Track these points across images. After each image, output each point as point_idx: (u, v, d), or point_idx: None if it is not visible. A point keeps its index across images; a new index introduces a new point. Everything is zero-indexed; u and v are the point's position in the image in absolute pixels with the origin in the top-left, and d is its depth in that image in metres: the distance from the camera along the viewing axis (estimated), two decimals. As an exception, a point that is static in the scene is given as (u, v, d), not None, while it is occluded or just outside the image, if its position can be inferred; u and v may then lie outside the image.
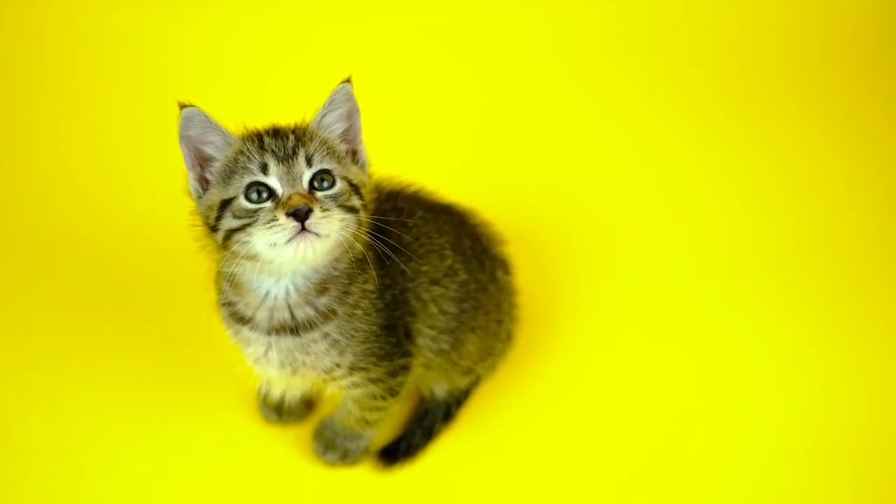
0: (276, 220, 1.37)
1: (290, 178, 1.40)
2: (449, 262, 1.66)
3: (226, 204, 1.42)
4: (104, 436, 1.78)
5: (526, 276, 1.96)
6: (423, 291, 1.62)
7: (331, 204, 1.41)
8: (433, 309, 1.64)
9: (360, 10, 2.50)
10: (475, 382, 1.84)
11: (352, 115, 1.49)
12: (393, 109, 2.33)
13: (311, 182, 1.42)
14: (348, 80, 1.46)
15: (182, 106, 1.43)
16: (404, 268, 1.58)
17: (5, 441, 1.76)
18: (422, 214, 1.67)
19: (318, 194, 1.41)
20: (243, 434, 1.78)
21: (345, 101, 1.47)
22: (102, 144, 2.25)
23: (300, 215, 1.37)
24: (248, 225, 1.39)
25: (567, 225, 2.16)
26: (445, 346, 1.68)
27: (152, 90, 2.35)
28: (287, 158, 1.41)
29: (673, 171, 2.29)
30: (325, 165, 1.43)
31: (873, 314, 2.01)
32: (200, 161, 1.46)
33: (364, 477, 1.75)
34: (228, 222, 1.41)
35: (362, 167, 1.51)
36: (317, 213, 1.38)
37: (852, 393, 1.89)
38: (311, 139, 1.44)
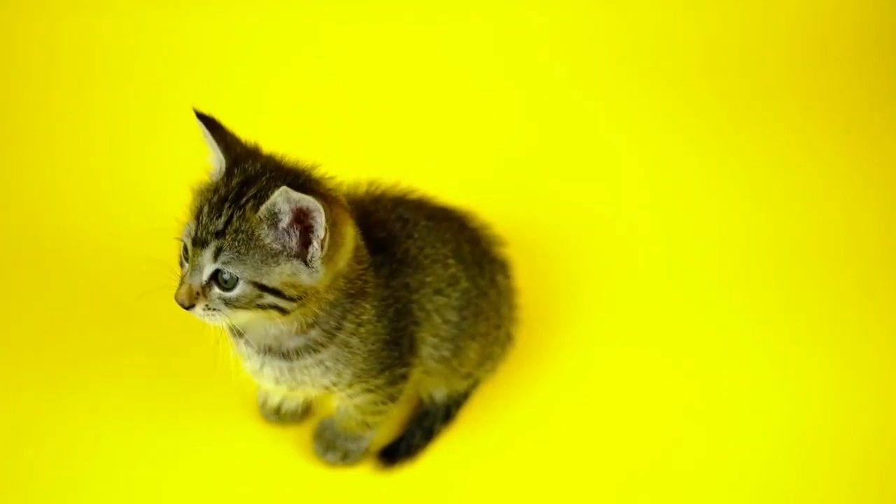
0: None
1: (195, 262, 1.37)
2: (452, 270, 1.65)
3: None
4: (105, 436, 1.78)
5: (526, 277, 1.96)
6: (427, 302, 1.61)
7: (220, 304, 1.37)
8: (437, 319, 1.63)
9: (360, 10, 2.50)
10: (475, 384, 1.84)
11: (303, 213, 1.34)
12: (392, 111, 2.32)
13: (212, 275, 1.37)
14: (303, 181, 1.37)
15: (196, 114, 1.43)
16: (408, 281, 1.57)
17: (6, 443, 1.76)
18: (425, 224, 1.65)
19: (214, 291, 1.37)
20: (244, 434, 1.78)
21: (287, 202, 1.33)
22: (99, 148, 2.23)
23: (182, 305, 1.38)
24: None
25: (567, 226, 2.16)
26: (446, 354, 1.67)
27: (152, 90, 2.34)
28: (200, 243, 1.37)
29: (673, 172, 2.28)
30: (229, 268, 1.35)
31: (873, 316, 2.02)
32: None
33: (364, 477, 1.75)
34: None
35: (310, 264, 1.37)
36: (197, 310, 1.38)
37: (852, 394, 1.90)
38: (237, 230, 1.35)
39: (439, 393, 1.79)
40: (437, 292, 1.63)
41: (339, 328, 1.48)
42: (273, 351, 1.49)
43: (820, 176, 2.27)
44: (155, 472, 1.74)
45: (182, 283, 1.39)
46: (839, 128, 2.36)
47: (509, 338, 1.86)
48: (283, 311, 1.39)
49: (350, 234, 1.42)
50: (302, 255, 1.37)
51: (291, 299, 1.39)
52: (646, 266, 2.10)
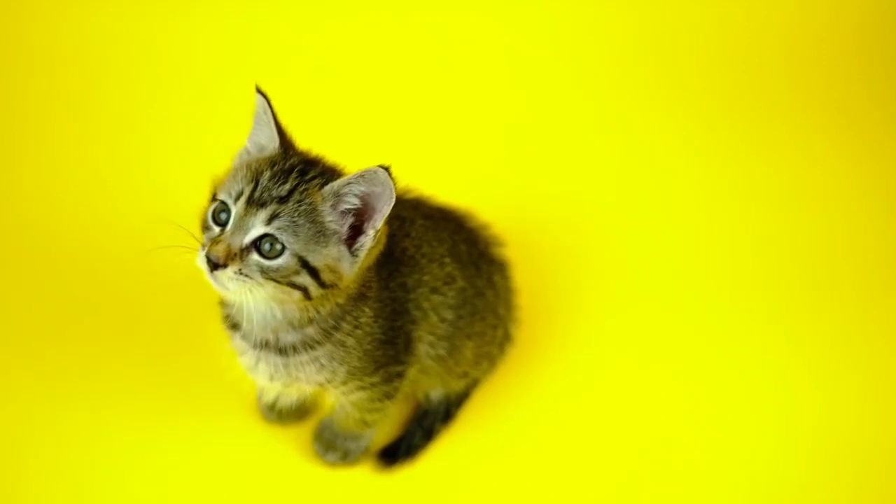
0: (203, 248, 1.36)
1: (241, 223, 1.35)
2: (448, 269, 1.65)
3: (213, 198, 1.41)
4: (104, 436, 1.78)
5: (525, 276, 1.96)
6: (424, 301, 1.61)
7: (255, 272, 1.35)
8: (433, 317, 1.63)
9: (360, 11, 2.50)
10: (474, 384, 1.84)
11: (374, 198, 1.36)
12: (391, 111, 2.32)
13: (257, 239, 1.35)
14: (387, 168, 1.33)
15: (257, 90, 1.41)
16: (405, 280, 1.57)
17: (6, 443, 1.76)
18: (422, 223, 1.65)
19: (253, 256, 1.35)
20: (243, 434, 1.79)
21: (372, 184, 1.35)
22: (99, 148, 2.24)
23: (211, 262, 1.34)
24: (203, 232, 1.40)
25: (567, 226, 2.16)
26: (442, 353, 1.67)
27: (151, 92, 2.35)
28: (255, 203, 1.35)
29: (672, 173, 2.29)
30: (280, 234, 1.34)
31: (873, 317, 2.02)
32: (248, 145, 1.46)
33: (364, 477, 1.75)
34: (204, 217, 1.41)
35: (354, 253, 1.39)
36: (227, 272, 1.34)
37: (852, 394, 1.90)
38: (300, 200, 1.36)
39: (436, 393, 1.79)
40: (434, 291, 1.63)
41: (336, 328, 1.48)
42: (269, 346, 1.49)
43: (819, 177, 2.27)
44: (155, 472, 1.74)
45: (218, 240, 1.34)
46: (839, 129, 2.36)
47: (508, 338, 1.86)
48: (308, 295, 1.38)
49: (384, 238, 1.44)
50: (349, 243, 1.38)
51: (323, 285, 1.38)
52: (645, 266, 2.10)
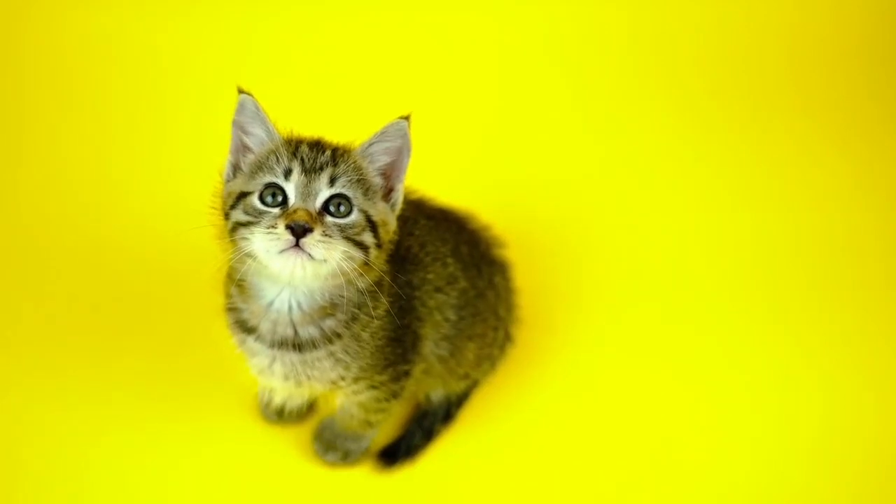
0: (276, 227, 1.36)
1: (307, 191, 1.38)
2: (450, 269, 1.66)
3: (242, 196, 1.41)
4: (105, 436, 1.77)
5: (525, 276, 1.96)
6: (429, 299, 1.62)
7: (336, 232, 1.38)
8: (437, 316, 1.64)
9: (360, 11, 2.50)
10: (474, 385, 1.84)
11: (400, 152, 1.45)
12: (392, 112, 2.32)
13: (326, 202, 1.39)
14: (407, 117, 1.43)
15: (239, 91, 1.43)
16: (410, 277, 1.57)
17: (8, 444, 1.76)
18: (425, 223, 1.66)
19: (328, 218, 1.38)
20: (244, 434, 1.78)
21: (397, 137, 1.44)
22: (105, 145, 2.24)
23: (297, 230, 1.34)
24: (253, 224, 1.38)
25: (567, 226, 2.16)
26: (444, 353, 1.68)
27: (151, 93, 2.35)
28: (312, 171, 1.39)
29: (673, 174, 2.29)
30: (347, 192, 1.40)
31: (873, 318, 2.02)
32: (241, 149, 1.47)
33: (364, 477, 1.75)
34: (238, 215, 1.41)
35: (392, 207, 1.47)
36: (315, 235, 1.35)
37: (851, 394, 1.91)
38: (346, 161, 1.42)
39: (436, 393, 1.79)
40: (438, 290, 1.63)
41: (354, 318, 1.49)
42: (286, 344, 1.49)
43: (819, 177, 2.28)
44: (155, 472, 1.74)
45: (294, 210, 1.36)
46: (839, 129, 2.37)
47: (509, 338, 1.86)
48: (367, 256, 1.41)
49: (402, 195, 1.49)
50: (386, 198, 1.45)
51: (379, 243, 1.42)
52: (645, 266, 2.10)
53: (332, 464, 1.75)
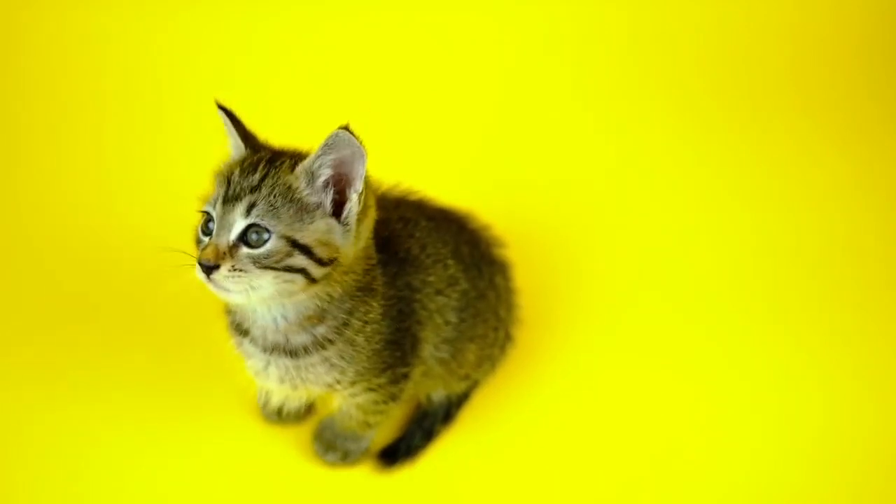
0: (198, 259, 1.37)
1: (223, 222, 1.37)
2: (451, 271, 1.66)
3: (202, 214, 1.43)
4: (104, 436, 1.77)
5: (526, 277, 1.96)
6: (429, 301, 1.61)
7: (248, 264, 1.35)
8: (438, 319, 1.63)
9: (361, 11, 2.50)
10: (474, 385, 1.84)
11: (345, 163, 1.37)
12: (392, 112, 2.33)
13: (244, 232, 1.36)
14: (346, 126, 1.34)
15: (218, 106, 1.44)
16: (410, 280, 1.57)
17: (8, 444, 1.76)
18: (425, 224, 1.66)
19: (243, 250, 1.36)
20: (244, 434, 1.78)
21: (340, 148, 1.36)
22: (105, 145, 2.24)
23: (205, 268, 1.35)
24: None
25: (567, 226, 2.16)
26: (445, 355, 1.68)
27: (150, 93, 2.35)
28: (232, 200, 1.37)
29: (673, 174, 2.29)
30: (262, 221, 1.35)
31: (873, 319, 2.02)
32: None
33: (364, 477, 1.75)
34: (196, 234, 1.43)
35: (344, 221, 1.40)
36: (221, 272, 1.34)
37: (851, 395, 1.91)
38: (273, 184, 1.37)
39: (437, 395, 1.79)
40: (439, 292, 1.63)
41: (346, 324, 1.48)
42: (279, 349, 1.49)
43: (819, 177, 2.28)
44: (155, 472, 1.74)
45: (206, 246, 1.36)
46: (839, 129, 2.37)
47: (509, 338, 1.86)
48: (310, 278, 1.38)
49: (373, 205, 1.44)
50: (337, 213, 1.39)
51: (321, 262, 1.38)
52: (646, 266, 2.10)
53: (332, 464, 1.75)
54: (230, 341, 1.56)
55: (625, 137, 2.36)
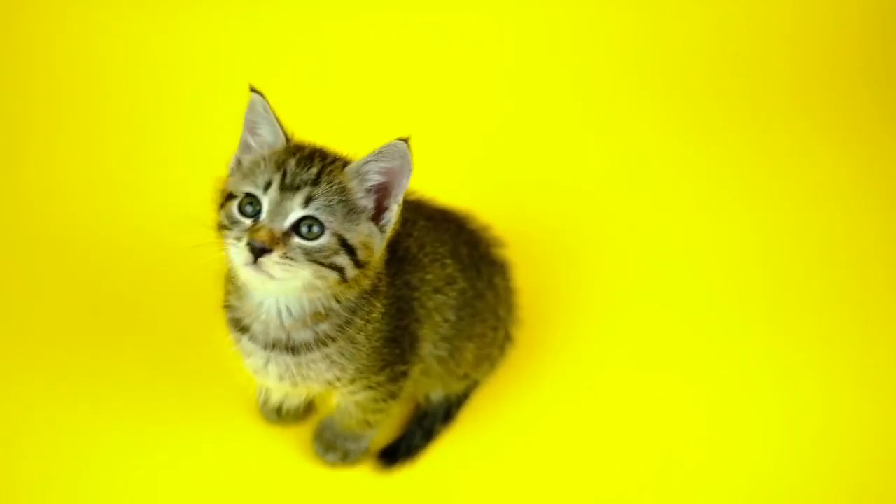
0: (240, 240, 1.36)
1: (278, 209, 1.36)
2: (449, 270, 1.66)
3: (230, 197, 1.41)
4: (104, 436, 1.77)
5: (525, 277, 1.96)
6: (428, 300, 1.61)
7: (300, 255, 1.36)
8: (436, 317, 1.63)
9: (361, 10, 2.50)
10: (474, 385, 1.84)
11: (395, 173, 1.40)
12: (392, 112, 2.32)
13: (297, 222, 1.37)
14: (406, 139, 1.38)
15: (251, 90, 1.43)
16: (409, 278, 1.57)
17: (8, 444, 1.76)
18: (423, 224, 1.66)
19: (295, 240, 1.36)
20: (244, 434, 1.78)
21: (394, 158, 1.39)
22: (105, 145, 2.24)
23: (255, 250, 1.34)
24: (227, 230, 1.39)
25: (567, 227, 2.16)
26: (444, 354, 1.68)
27: (150, 92, 2.35)
28: (290, 188, 1.37)
29: (673, 174, 2.29)
30: (319, 215, 1.36)
31: (873, 320, 2.02)
32: (246, 147, 1.47)
33: (364, 477, 1.75)
34: (221, 216, 1.41)
35: (382, 228, 1.43)
36: (273, 256, 1.34)
37: (853, 394, 1.91)
38: (330, 181, 1.39)
39: (436, 394, 1.79)
40: (437, 291, 1.63)
41: (349, 322, 1.48)
42: (280, 345, 1.49)
43: (819, 178, 2.28)
44: (155, 472, 1.74)
45: (259, 227, 1.35)
46: (839, 129, 2.37)
47: (509, 339, 1.86)
48: (344, 277, 1.39)
49: (400, 215, 1.46)
50: (376, 218, 1.41)
51: (358, 264, 1.39)
52: (645, 266, 2.10)
53: (332, 464, 1.75)
54: (228, 337, 1.56)
55: (625, 137, 2.35)
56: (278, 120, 1.45)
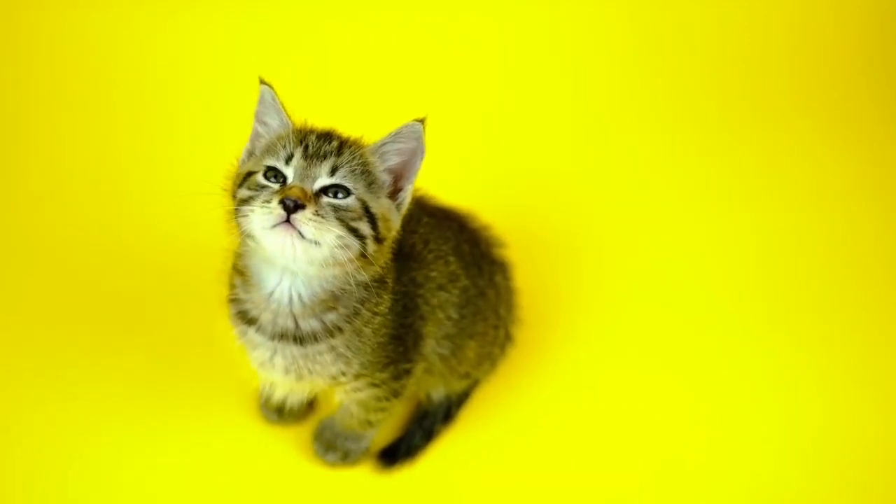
0: (270, 202, 1.36)
1: (305, 174, 1.39)
2: (452, 267, 1.66)
3: (248, 175, 1.43)
4: (104, 435, 1.77)
5: (526, 277, 1.96)
6: (432, 297, 1.62)
7: (329, 212, 1.37)
8: (440, 314, 1.64)
9: (361, 10, 2.50)
10: (474, 384, 1.84)
11: (412, 153, 1.44)
12: (393, 112, 2.31)
13: (324, 189, 1.39)
14: (422, 120, 1.43)
15: (260, 82, 1.46)
16: (414, 275, 1.58)
17: (8, 443, 1.76)
18: (427, 220, 1.66)
19: (324, 199, 1.39)
20: (244, 434, 1.78)
21: (410, 139, 1.43)
22: (105, 144, 2.24)
23: (289, 206, 1.35)
24: (253, 199, 1.39)
25: (567, 227, 2.16)
26: (445, 352, 1.68)
27: (150, 90, 2.35)
28: (314, 157, 1.40)
29: (673, 174, 2.29)
30: (346, 182, 1.40)
31: (873, 320, 2.02)
32: (258, 137, 1.49)
33: (364, 477, 1.75)
34: (242, 192, 1.42)
35: (398, 206, 1.46)
36: (306, 212, 1.35)
37: (853, 394, 1.91)
38: (352, 153, 1.42)
39: (437, 393, 1.79)
40: (441, 288, 1.63)
41: (356, 313, 1.49)
42: (287, 336, 1.49)
43: (819, 178, 2.28)
44: (155, 472, 1.73)
45: (290, 186, 1.37)
46: (839, 129, 2.37)
47: (509, 338, 1.86)
48: (364, 249, 1.40)
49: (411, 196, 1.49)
50: (392, 197, 1.46)
51: (377, 238, 1.42)
52: (646, 266, 2.10)
53: (332, 464, 1.74)
54: (233, 332, 1.56)
55: (625, 137, 2.36)
56: (285, 110, 1.48)
